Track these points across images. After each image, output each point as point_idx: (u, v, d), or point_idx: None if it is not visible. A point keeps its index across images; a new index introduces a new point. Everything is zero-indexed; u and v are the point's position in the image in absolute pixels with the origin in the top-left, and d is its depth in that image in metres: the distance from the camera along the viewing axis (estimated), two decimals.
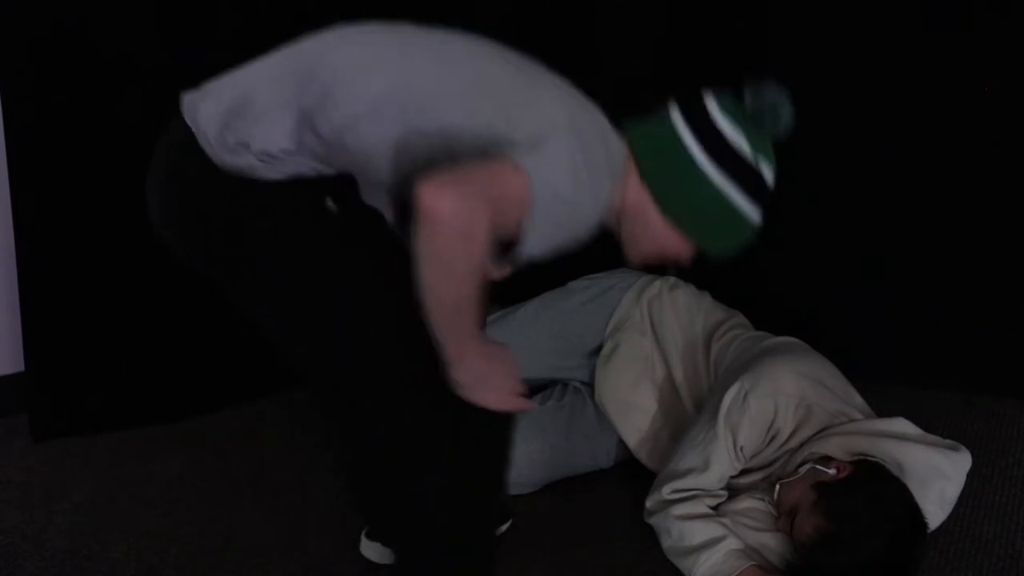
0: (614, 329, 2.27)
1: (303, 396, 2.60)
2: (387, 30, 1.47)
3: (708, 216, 1.49)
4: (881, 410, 2.08)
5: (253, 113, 1.39)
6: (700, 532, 1.89)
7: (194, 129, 1.42)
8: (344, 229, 1.42)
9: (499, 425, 1.56)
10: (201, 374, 2.48)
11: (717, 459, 1.93)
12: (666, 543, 1.95)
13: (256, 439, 2.40)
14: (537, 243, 1.35)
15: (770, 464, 2.00)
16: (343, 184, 1.42)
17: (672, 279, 2.32)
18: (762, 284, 2.32)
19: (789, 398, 1.93)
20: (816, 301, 2.60)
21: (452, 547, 1.56)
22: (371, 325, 1.43)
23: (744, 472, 2.01)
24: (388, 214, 1.45)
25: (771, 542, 1.91)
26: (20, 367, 2.37)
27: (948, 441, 2.00)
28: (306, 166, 1.40)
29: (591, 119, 1.45)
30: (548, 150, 1.33)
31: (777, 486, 1.89)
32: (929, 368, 2.61)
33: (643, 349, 2.23)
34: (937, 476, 1.93)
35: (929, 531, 1.83)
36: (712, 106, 1.48)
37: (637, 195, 1.50)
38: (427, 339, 1.38)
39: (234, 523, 2.07)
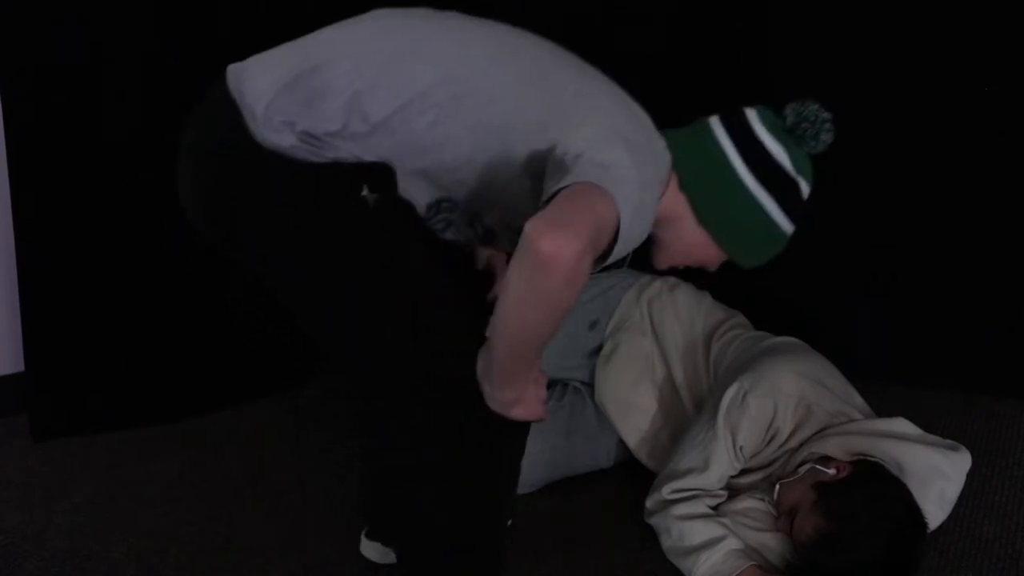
0: (614, 329, 2.27)
1: (303, 397, 2.60)
2: (441, 17, 1.46)
3: (744, 228, 1.51)
4: (881, 410, 2.08)
5: (302, 93, 1.37)
6: (700, 532, 1.89)
7: (239, 103, 1.39)
8: (377, 219, 1.40)
9: (513, 431, 1.55)
10: (201, 374, 2.48)
11: (717, 459, 1.93)
12: (666, 543, 1.95)
13: (256, 439, 2.39)
14: (621, 252, 1.35)
15: (770, 464, 2.00)
16: (380, 174, 1.40)
17: (672, 279, 2.32)
18: (762, 284, 2.32)
19: (788, 398, 1.93)
20: (816, 301, 2.60)
21: (457, 550, 1.56)
22: (392, 319, 1.41)
23: (744, 472, 2.01)
24: (420, 206, 1.45)
25: (771, 542, 1.91)
26: (20, 367, 2.37)
27: (948, 441, 2.00)
28: (346, 151, 1.38)
29: (642, 125, 1.46)
30: (609, 161, 1.32)
31: (777, 486, 1.89)
32: (929, 368, 2.60)
33: (643, 349, 2.23)
34: (937, 476, 1.93)
35: (929, 531, 1.83)
36: (754, 121, 1.51)
37: (675, 203, 1.51)
38: (449, 337, 1.38)
39: (234, 523, 2.07)
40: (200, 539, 2.01)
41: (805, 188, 1.53)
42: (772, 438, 1.96)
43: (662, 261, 1.60)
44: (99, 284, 2.33)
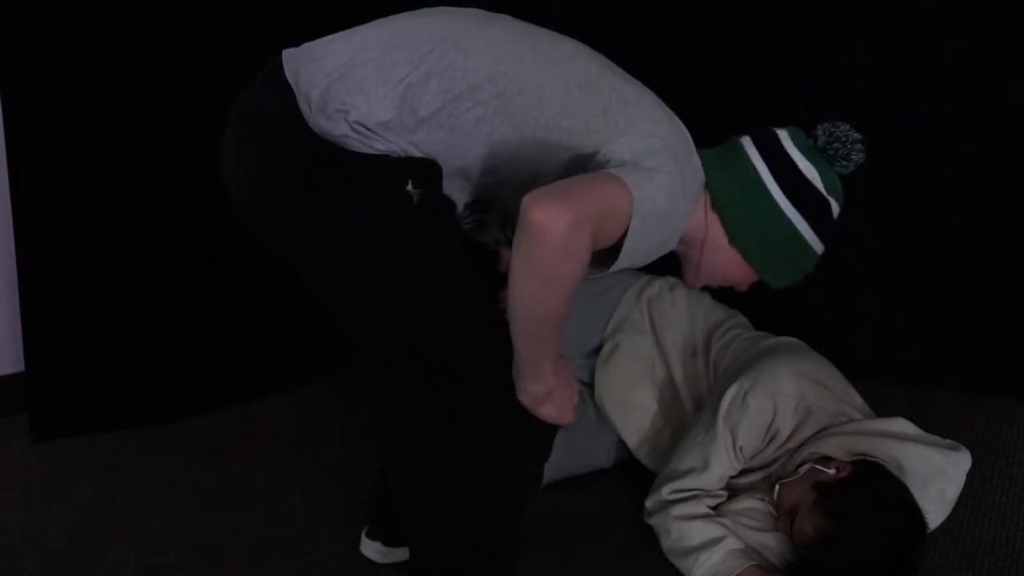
0: (614, 329, 2.27)
1: (304, 397, 2.60)
2: (493, 18, 1.49)
3: (776, 247, 1.54)
4: (881, 410, 2.08)
5: (357, 82, 1.39)
6: (700, 532, 1.89)
7: (295, 88, 1.41)
8: (418, 214, 1.41)
9: (537, 434, 1.55)
10: (201, 374, 2.48)
11: (716, 459, 1.93)
12: (666, 543, 1.95)
13: (256, 439, 2.39)
14: (630, 255, 1.36)
15: (770, 464, 2.00)
16: (426, 170, 1.41)
17: (672, 279, 2.32)
18: (762, 284, 2.31)
19: (788, 398, 1.93)
20: (816, 301, 2.60)
21: (468, 555, 1.56)
22: (426, 312, 1.42)
23: (744, 472, 2.01)
24: (461, 205, 1.47)
25: (771, 542, 1.91)
26: (20, 367, 2.37)
27: (948, 441, 2.00)
28: (396, 145, 1.39)
29: (682, 138, 1.47)
30: (650, 167, 1.35)
31: (777, 486, 1.89)
32: (929, 368, 2.60)
33: (643, 349, 2.23)
34: (937, 476, 1.93)
35: (929, 531, 1.83)
36: (786, 141, 1.53)
37: (707, 222, 1.52)
38: (485, 334, 1.39)
39: (234, 523, 2.07)
40: (200, 539, 2.01)
41: (836, 208, 1.55)
42: (772, 438, 1.96)
43: (693, 280, 1.61)
44: (99, 284, 2.33)
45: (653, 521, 1.99)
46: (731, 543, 1.87)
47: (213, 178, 2.39)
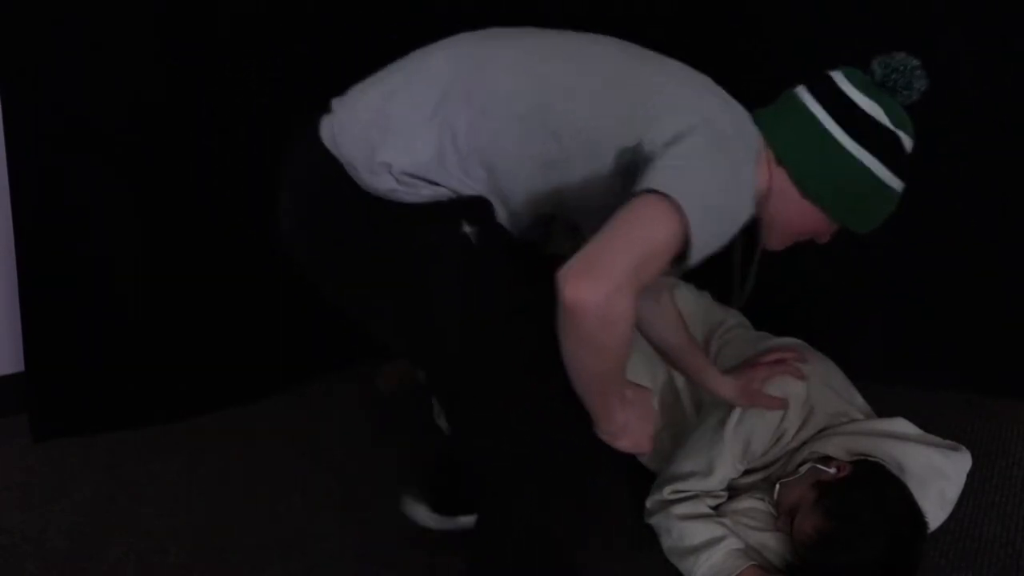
0: None
1: (304, 396, 2.60)
2: (514, 34, 1.48)
3: (851, 192, 1.49)
4: (881, 410, 2.08)
5: (393, 128, 1.40)
6: (700, 532, 1.89)
7: (335, 153, 1.42)
8: (479, 251, 1.42)
9: (606, 458, 1.57)
10: (201, 374, 2.48)
11: (721, 463, 1.93)
12: (666, 543, 1.95)
13: (256, 439, 2.39)
14: (700, 252, 1.33)
15: (771, 464, 2.00)
16: (477, 207, 1.42)
17: (672, 279, 2.32)
18: (762, 284, 2.31)
19: (796, 398, 1.93)
20: (817, 301, 2.60)
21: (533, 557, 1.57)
22: (500, 344, 1.43)
23: (745, 472, 2.01)
24: (523, 226, 1.47)
25: (771, 542, 1.91)
26: (20, 367, 2.37)
27: (948, 441, 2.00)
28: (443, 186, 1.40)
29: (724, 110, 1.44)
30: (694, 167, 1.32)
31: (777, 486, 1.89)
32: (929, 368, 2.60)
33: (643, 350, 2.23)
34: (937, 476, 1.92)
35: (929, 531, 1.83)
36: (842, 81, 1.48)
37: (776, 179, 1.49)
38: (555, 365, 1.36)
39: (234, 523, 2.07)
40: (200, 539, 2.01)
41: (907, 141, 1.50)
42: (779, 439, 1.96)
43: (772, 240, 1.58)
44: (99, 284, 2.33)
45: (653, 521, 1.99)
46: (732, 543, 1.87)
47: (213, 178, 2.41)
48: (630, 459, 2.17)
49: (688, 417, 2.18)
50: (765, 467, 2.00)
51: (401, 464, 2.29)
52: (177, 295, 2.42)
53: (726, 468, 1.94)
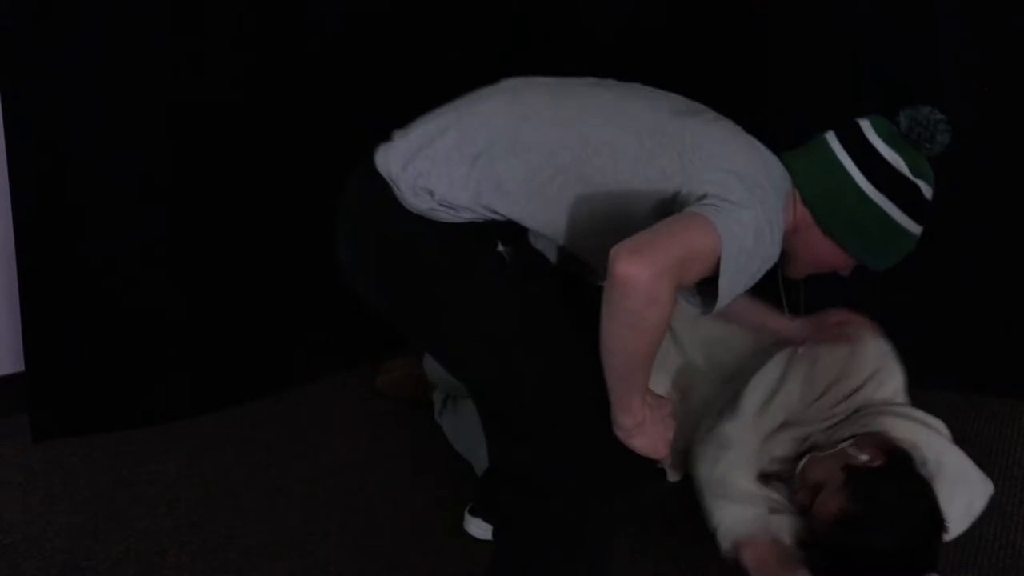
0: None
1: (303, 396, 2.60)
2: (561, 85, 1.58)
3: (869, 233, 1.60)
4: None
5: (439, 162, 1.49)
6: (743, 484, 1.90)
7: (383, 171, 1.52)
8: (512, 272, 1.51)
9: (636, 466, 1.61)
10: (201, 374, 2.48)
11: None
12: (704, 472, 1.95)
13: (256, 439, 2.40)
14: (729, 293, 1.42)
15: (808, 424, 2.01)
16: (513, 230, 1.51)
17: None
18: (762, 284, 2.32)
19: (876, 345, 2.02)
20: (816, 301, 2.59)
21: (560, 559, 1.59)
22: (533, 360, 1.50)
23: (785, 425, 2.02)
24: (552, 256, 1.57)
25: (785, 526, 1.92)
26: (20, 367, 2.37)
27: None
28: (480, 214, 1.49)
29: (757, 158, 1.53)
30: (736, 210, 1.40)
31: (807, 458, 1.90)
32: (929, 368, 2.60)
33: (665, 367, 2.24)
34: (968, 487, 1.94)
35: (949, 538, 1.83)
36: (868, 130, 1.59)
37: (800, 216, 1.60)
38: (586, 377, 1.45)
39: (234, 523, 2.07)
40: (200, 539, 2.01)
41: (926, 189, 1.61)
42: (830, 391, 2.00)
43: (793, 271, 1.71)
44: (99, 284, 2.33)
45: (702, 448, 1.98)
46: (764, 512, 1.88)
47: (213, 178, 2.41)
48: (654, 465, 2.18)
49: (707, 391, 2.19)
50: (802, 424, 2.01)
51: (401, 464, 2.30)
52: (177, 295, 2.42)
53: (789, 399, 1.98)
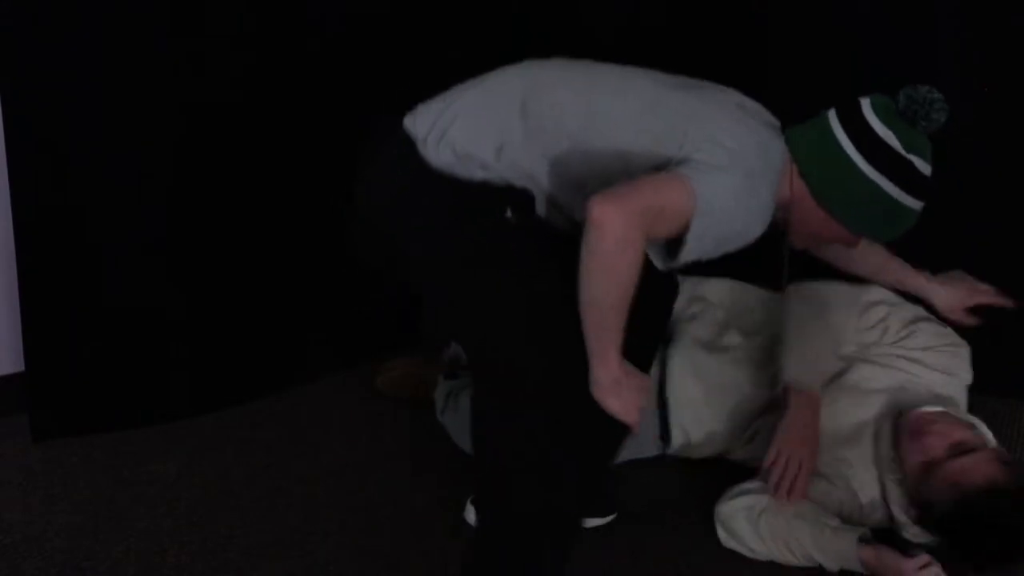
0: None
1: (303, 396, 2.60)
2: (575, 62, 1.71)
3: (863, 207, 1.67)
4: None
5: (464, 116, 1.62)
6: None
7: (409, 128, 1.66)
8: (516, 236, 1.61)
9: (612, 438, 1.68)
10: (201, 374, 2.48)
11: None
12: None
13: (256, 439, 2.40)
14: (694, 251, 1.52)
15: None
16: (522, 198, 1.62)
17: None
18: (762, 285, 2.32)
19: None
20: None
21: (531, 540, 1.63)
22: (517, 325, 1.57)
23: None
24: (558, 224, 1.63)
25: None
26: (20, 367, 2.36)
27: None
28: (494, 173, 1.60)
29: (751, 133, 1.61)
30: (716, 176, 1.51)
31: (933, 411, 1.96)
32: None
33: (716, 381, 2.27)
34: None
35: None
36: (866, 108, 1.66)
37: (797, 189, 1.69)
38: (574, 341, 1.52)
39: (234, 523, 2.07)
40: (200, 539, 2.01)
41: (921, 165, 1.66)
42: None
43: (796, 240, 1.79)
44: (99, 284, 2.33)
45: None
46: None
47: (213, 178, 2.41)
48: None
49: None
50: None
51: (401, 464, 2.30)
52: (177, 295, 2.42)
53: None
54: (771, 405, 2.15)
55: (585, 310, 1.50)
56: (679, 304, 2.29)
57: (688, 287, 2.32)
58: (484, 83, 1.68)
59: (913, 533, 1.95)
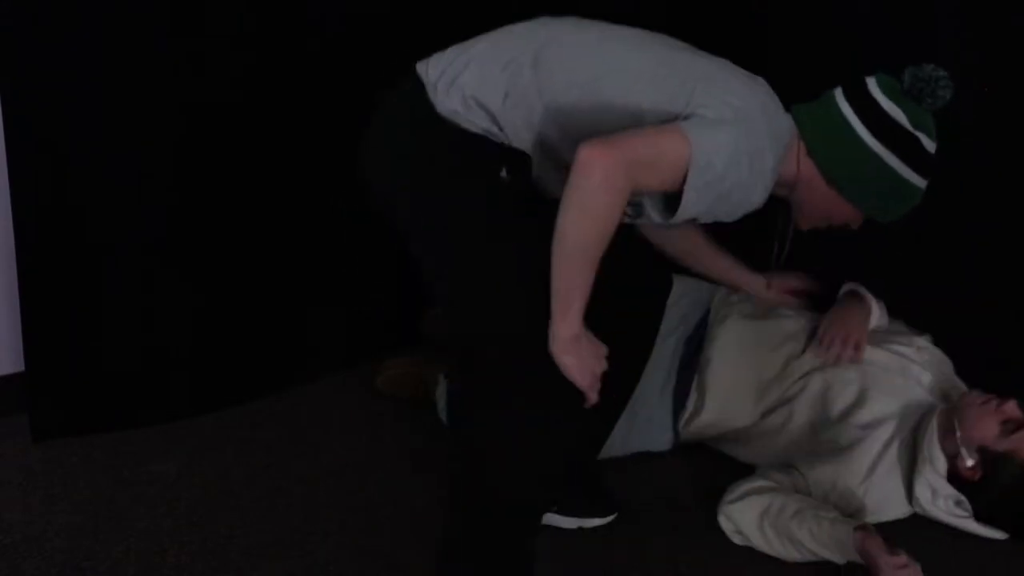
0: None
1: (303, 396, 2.60)
2: (589, 22, 1.72)
3: (872, 184, 1.68)
4: None
5: (475, 62, 1.64)
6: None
7: (422, 74, 1.68)
8: (507, 197, 1.63)
9: (594, 424, 1.74)
10: (201, 374, 2.48)
11: None
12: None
13: (256, 439, 2.40)
14: (693, 206, 1.52)
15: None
16: (519, 161, 1.63)
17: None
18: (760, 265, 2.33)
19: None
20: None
21: (496, 519, 1.66)
22: (499, 279, 1.60)
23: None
24: (551, 187, 1.63)
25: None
26: (20, 367, 2.36)
27: None
28: (496, 127, 1.62)
29: (758, 105, 1.60)
30: (717, 130, 1.50)
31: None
32: None
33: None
34: None
35: None
36: (872, 86, 1.69)
37: (804, 167, 1.69)
38: (541, 311, 1.53)
39: (234, 523, 2.07)
40: (200, 539, 2.01)
41: (928, 142, 1.69)
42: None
43: (802, 221, 1.80)
44: (99, 284, 2.33)
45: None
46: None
47: (213, 178, 2.41)
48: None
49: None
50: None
51: (401, 464, 2.30)
52: (177, 295, 2.41)
53: None
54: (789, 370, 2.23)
55: (555, 253, 1.49)
56: (721, 292, 2.32)
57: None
58: (499, 34, 1.69)
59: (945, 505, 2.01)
